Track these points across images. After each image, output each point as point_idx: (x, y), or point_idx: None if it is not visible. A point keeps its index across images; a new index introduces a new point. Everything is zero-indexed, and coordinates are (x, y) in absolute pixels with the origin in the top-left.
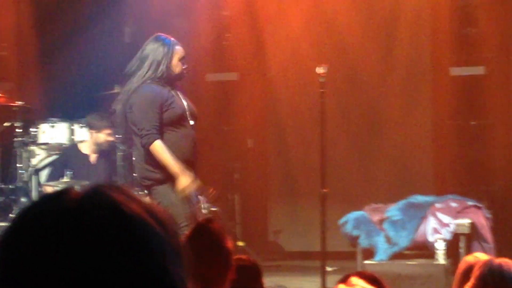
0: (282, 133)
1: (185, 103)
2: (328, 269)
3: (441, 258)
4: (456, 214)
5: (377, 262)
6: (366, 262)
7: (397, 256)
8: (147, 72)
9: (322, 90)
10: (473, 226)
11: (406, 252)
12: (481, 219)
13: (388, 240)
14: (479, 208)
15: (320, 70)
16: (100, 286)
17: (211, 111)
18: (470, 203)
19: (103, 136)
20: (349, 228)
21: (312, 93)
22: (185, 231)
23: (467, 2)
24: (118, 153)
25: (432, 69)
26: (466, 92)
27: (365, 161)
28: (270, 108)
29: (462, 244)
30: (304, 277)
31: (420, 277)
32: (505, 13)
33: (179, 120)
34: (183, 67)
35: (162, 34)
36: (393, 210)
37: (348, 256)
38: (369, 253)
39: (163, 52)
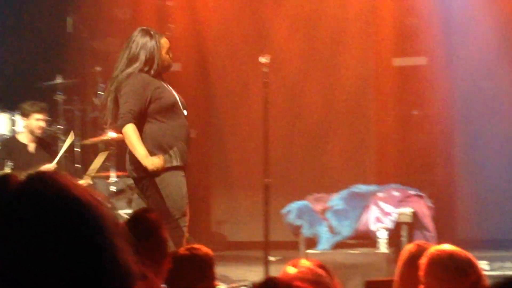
0: (224, 124)
1: (175, 94)
2: (271, 259)
3: (383, 247)
4: (398, 203)
5: (320, 251)
6: (309, 251)
7: (340, 245)
8: (143, 66)
9: (265, 80)
10: (415, 215)
11: (349, 241)
12: (423, 208)
13: (331, 229)
14: (421, 197)
15: (263, 60)
16: (45, 261)
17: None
18: (412, 192)
19: (34, 121)
20: (292, 218)
21: (255, 83)
22: (179, 225)
23: None
24: (60, 144)
25: (375, 59)
26: (408, 83)
27: (307, 151)
28: (212, 98)
29: (404, 233)
30: (247, 267)
31: (362, 266)
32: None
33: (173, 109)
34: (169, 59)
35: (146, 27)
36: (336, 200)
37: (291, 246)
38: (312, 242)
39: (154, 47)
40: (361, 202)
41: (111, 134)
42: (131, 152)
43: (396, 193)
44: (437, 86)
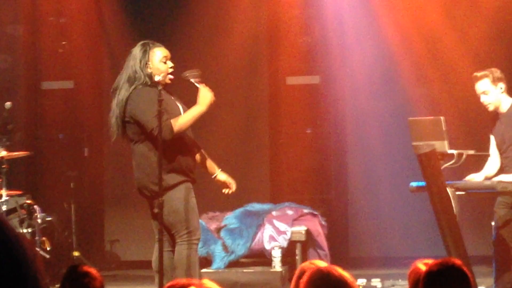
0: (119, 141)
1: (179, 105)
2: None
3: (277, 265)
4: (293, 221)
5: (214, 270)
6: (204, 270)
7: (234, 264)
8: (135, 80)
9: (160, 98)
10: (309, 233)
11: (243, 260)
12: (317, 226)
13: (225, 248)
14: (315, 215)
15: (156, 77)
16: None
17: (46, 119)
18: (306, 210)
19: None
20: None
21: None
22: (188, 239)
23: (303, 11)
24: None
25: (269, 78)
26: (301, 101)
27: (202, 170)
28: (106, 115)
29: (298, 251)
30: (141, 287)
31: (257, 285)
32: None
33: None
34: (168, 68)
35: (146, 41)
36: (230, 218)
37: None
38: (207, 261)
39: (140, 57)
40: (256, 221)
41: (1, 153)
42: (146, 170)
43: (290, 212)
44: (330, 105)
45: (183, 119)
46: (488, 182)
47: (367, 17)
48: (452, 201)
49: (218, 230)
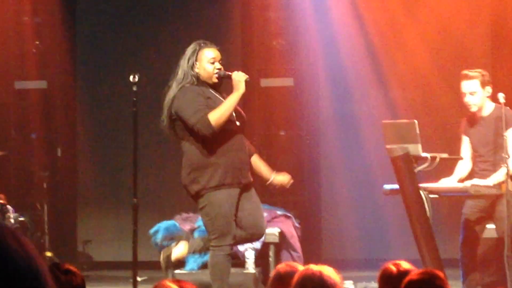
0: (93, 142)
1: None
2: (139, 279)
3: (251, 267)
4: (266, 223)
5: (188, 271)
6: (177, 271)
7: (207, 265)
8: (182, 79)
9: (134, 98)
10: (282, 235)
11: None
12: (290, 228)
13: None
14: (288, 217)
15: (132, 78)
16: None
17: (19, 119)
18: (279, 212)
19: None
20: (159, 238)
21: (125, 101)
22: (214, 245)
23: (277, 14)
24: None
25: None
26: (275, 103)
27: (176, 170)
28: (80, 115)
29: (271, 253)
30: (114, 287)
31: (230, 286)
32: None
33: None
34: (215, 70)
35: (200, 40)
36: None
37: (159, 266)
38: (180, 263)
39: (189, 56)
40: None
41: None
42: (187, 169)
43: (263, 213)
44: (304, 107)
45: (220, 110)
46: (461, 185)
47: (342, 20)
48: (425, 204)
49: (192, 231)
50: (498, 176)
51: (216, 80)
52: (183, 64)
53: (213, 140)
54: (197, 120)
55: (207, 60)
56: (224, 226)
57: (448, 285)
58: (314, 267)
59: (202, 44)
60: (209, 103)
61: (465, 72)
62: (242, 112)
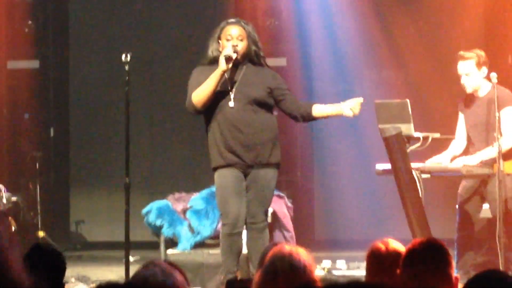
0: (86, 122)
1: (229, 85)
2: (131, 259)
3: (243, 247)
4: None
5: (180, 251)
6: (169, 251)
7: (200, 245)
8: (203, 58)
9: (126, 78)
10: (274, 215)
11: (209, 241)
12: (283, 208)
13: (191, 229)
14: (281, 197)
15: (124, 57)
16: None
17: (11, 99)
18: None
19: None
20: (152, 218)
21: (117, 81)
22: (222, 223)
23: None
24: None
25: None
26: None
27: (168, 150)
28: (72, 95)
29: None
30: (107, 267)
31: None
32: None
33: (218, 102)
34: (232, 47)
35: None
36: (196, 200)
37: (151, 246)
38: (173, 242)
39: (216, 35)
40: None
41: None
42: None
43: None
44: (296, 87)
45: (200, 88)
46: (453, 166)
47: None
48: (417, 184)
49: (184, 211)
50: (488, 153)
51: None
52: (210, 41)
53: (208, 122)
54: (186, 101)
55: (225, 37)
56: (222, 205)
57: (449, 254)
58: (286, 247)
59: (228, 21)
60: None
61: (461, 53)
62: (253, 91)
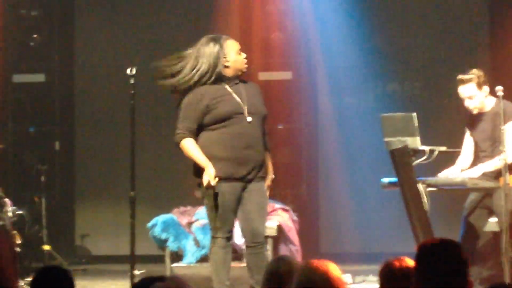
0: (91, 136)
1: (237, 99)
2: (136, 272)
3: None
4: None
5: (186, 265)
6: (175, 265)
7: (205, 258)
8: (204, 75)
9: (132, 91)
10: (280, 228)
11: None
12: (288, 221)
13: (197, 243)
14: (286, 210)
15: (130, 71)
16: None
17: (17, 112)
18: (277, 205)
19: None
20: (157, 231)
21: (122, 94)
22: (212, 236)
23: (276, 7)
24: None
25: None
26: (273, 97)
27: (173, 164)
28: (79, 110)
29: (269, 247)
30: (112, 281)
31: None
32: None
33: (230, 118)
34: (243, 59)
35: (212, 35)
36: (202, 213)
37: (157, 260)
38: (178, 256)
39: (218, 51)
40: None
41: None
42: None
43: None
44: (302, 101)
45: (190, 152)
46: (458, 179)
47: (340, 13)
48: (423, 197)
49: (189, 225)
50: (490, 165)
51: (245, 69)
52: (209, 58)
53: (218, 135)
54: (178, 130)
55: (235, 51)
56: (218, 219)
57: (463, 253)
58: (319, 262)
59: (224, 36)
60: (213, 102)
61: (460, 76)
62: (261, 107)
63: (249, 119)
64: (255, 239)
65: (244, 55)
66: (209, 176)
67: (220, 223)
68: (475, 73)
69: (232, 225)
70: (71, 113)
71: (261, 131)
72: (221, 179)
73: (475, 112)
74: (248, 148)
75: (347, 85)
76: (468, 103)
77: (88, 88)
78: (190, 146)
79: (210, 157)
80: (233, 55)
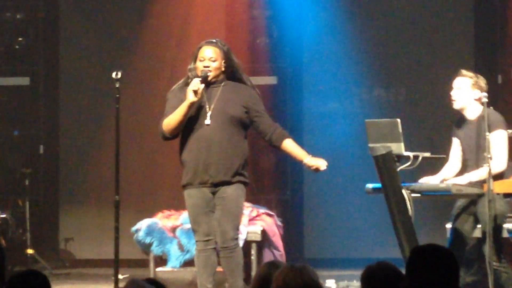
0: (76, 140)
1: (207, 103)
2: (120, 277)
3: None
4: (248, 221)
5: (170, 269)
6: (159, 269)
7: (190, 263)
8: (185, 78)
9: (117, 95)
10: (264, 233)
11: None
12: (273, 226)
13: (181, 247)
14: (270, 215)
15: (115, 75)
16: None
17: (1, 116)
18: (262, 210)
19: None
20: (142, 235)
21: (107, 98)
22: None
23: (262, 12)
24: None
25: None
26: None
27: (158, 168)
28: (64, 113)
29: (253, 251)
30: (96, 285)
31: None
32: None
33: (193, 121)
34: (203, 68)
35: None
36: (186, 217)
37: (141, 264)
38: (162, 260)
39: (194, 55)
40: None
41: None
42: None
43: (246, 212)
44: (287, 105)
45: (170, 117)
46: (443, 185)
47: (326, 18)
48: (407, 203)
49: (174, 229)
50: (477, 174)
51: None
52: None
53: (184, 139)
54: (159, 124)
55: (199, 58)
56: (192, 223)
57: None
58: (296, 265)
59: (206, 42)
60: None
61: (462, 70)
62: (231, 109)
63: (207, 122)
64: (224, 244)
65: (205, 63)
66: (193, 86)
67: (195, 226)
68: (477, 76)
69: (209, 229)
70: (55, 116)
71: (228, 133)
72: (187, 185)
73: (455, 106)
74: (207, 152)
75: (332, 91)
76: (454, 93)
77: (72, 91)
78: (166, 119)
79: (183, 163)
80: (198, 62)
